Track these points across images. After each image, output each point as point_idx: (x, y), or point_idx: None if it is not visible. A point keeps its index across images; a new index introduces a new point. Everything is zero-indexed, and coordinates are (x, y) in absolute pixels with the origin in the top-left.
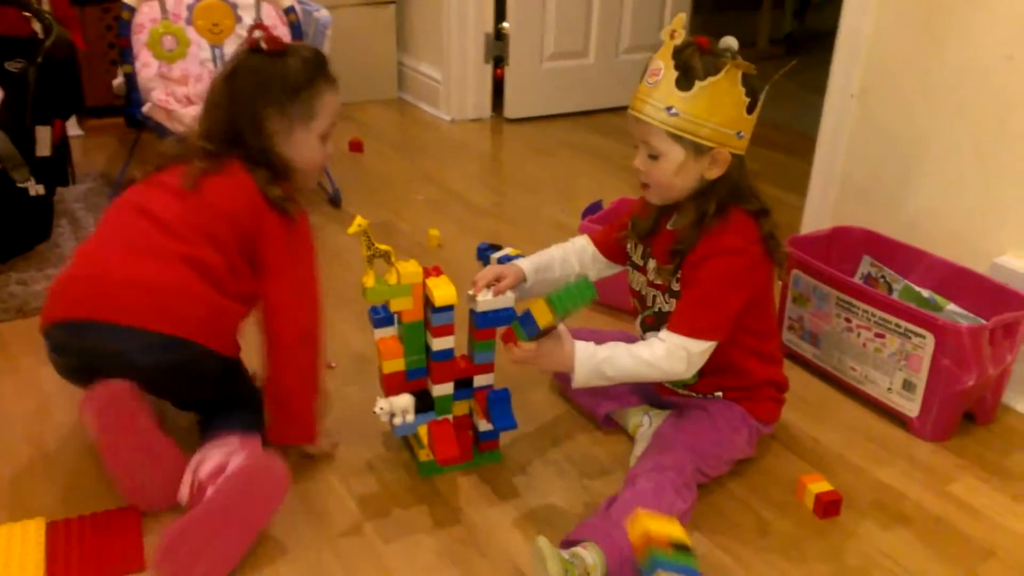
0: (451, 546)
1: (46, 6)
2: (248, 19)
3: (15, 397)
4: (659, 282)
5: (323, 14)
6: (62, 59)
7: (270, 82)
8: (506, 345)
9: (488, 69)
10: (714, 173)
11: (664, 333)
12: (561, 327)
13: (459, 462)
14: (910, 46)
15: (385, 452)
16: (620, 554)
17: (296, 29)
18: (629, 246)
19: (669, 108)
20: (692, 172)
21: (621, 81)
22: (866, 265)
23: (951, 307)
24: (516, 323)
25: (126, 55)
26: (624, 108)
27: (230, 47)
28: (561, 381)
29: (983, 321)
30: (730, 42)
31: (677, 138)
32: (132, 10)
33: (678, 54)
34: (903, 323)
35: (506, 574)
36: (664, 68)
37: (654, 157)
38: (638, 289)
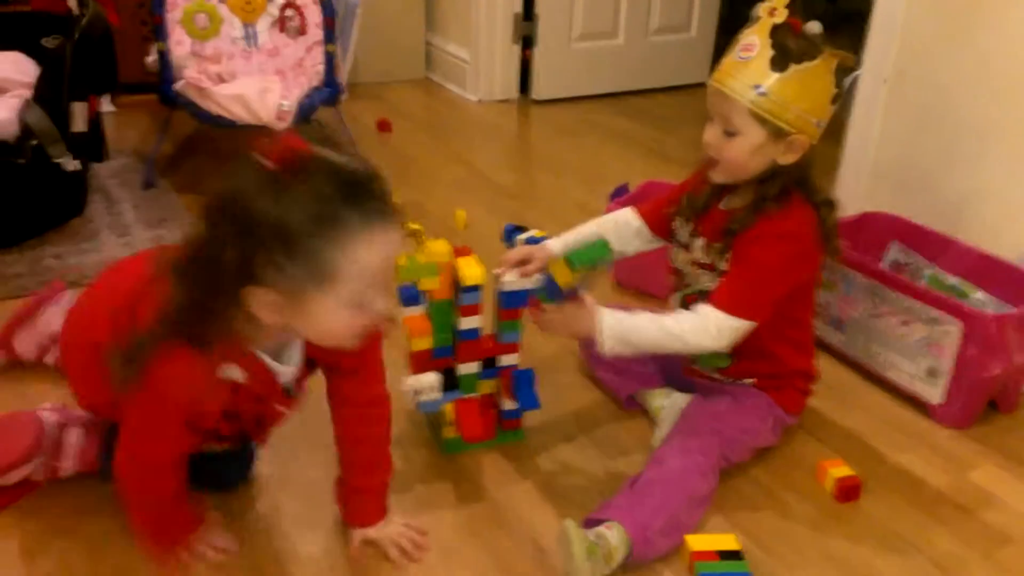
0: (473, 523)
1: None
2: None
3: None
4: (706, 261)
5: None
6: (98, 35)
7: (257, 223)
8: (531, 312)
9: (516, 50)
10: (788, 159)
11: (702, 306)
12: (588, 297)
13: (484, 440)
14: (943, 31)
15: (410, 429)
16: (643, 533)
17: (328, 8)
18: (677, 223)
19: (758, 87)
20: (767, 155)
21: (651, 63)
22: (894, 251)
23: (978, 295)
24: (541, 289)
25: (159, 32)
26: (653, 90)
27: (263, 24)
28: (588, 360)
29: (1011, 309)
30: (815, 27)
31: (760, 119)
32: None
33: (775, 32)
34: (930, 310)
35: (528, 550)
36: (759, 45)
37: (730, 134)
38: (679, 267)
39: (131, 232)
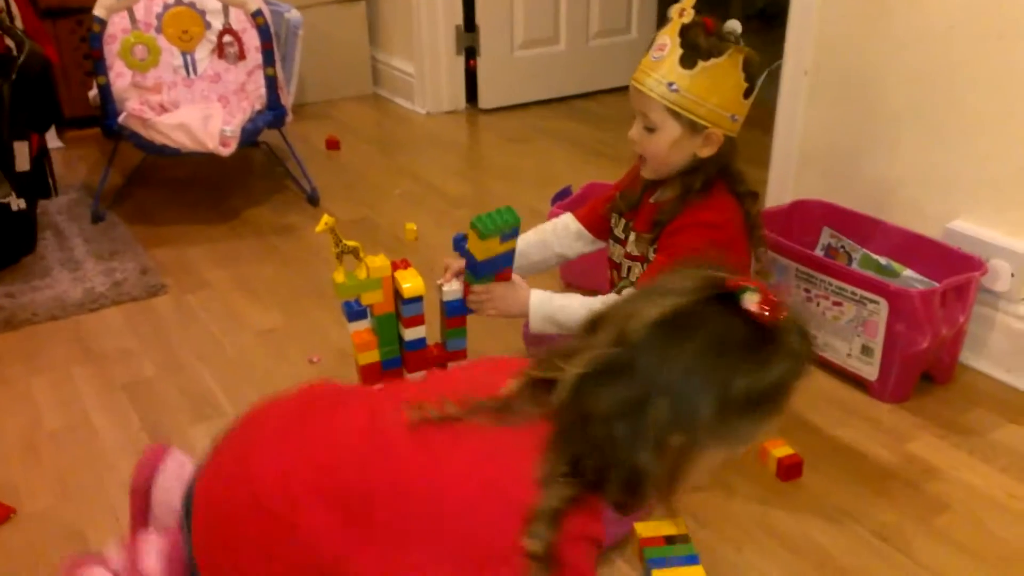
0: None
1: (18, 23)
2: (217, 25)
3: (5, 407)
4: (637, 253)
5: (294, 15)
6: (36, 74)
7: (733, 375)
8: (465, 297)
9: (460, 61)
10: (706, 152)
11: (627, 290)
12: (516, 276)
13: None
14: (858, 21)
15: None
16: None
17: (265, 32)
18: (613, 219)
19: (671, 84)
20: (686, 148)
21: (592, 66)
22: (826, 236)
23: (908, 273)
24: (466, 270)
25: (99, 66)
26: (596, 92)
27: (201, 53)
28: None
29: (937, 285)
30: (734, 25)
31: (675, 114)
32: (103, 22)
33: (685, 32)
34: (858, 291)
35: None
36: (670, 44)
37: (651, 129)
38: (617, 261)
39: (83, 267)
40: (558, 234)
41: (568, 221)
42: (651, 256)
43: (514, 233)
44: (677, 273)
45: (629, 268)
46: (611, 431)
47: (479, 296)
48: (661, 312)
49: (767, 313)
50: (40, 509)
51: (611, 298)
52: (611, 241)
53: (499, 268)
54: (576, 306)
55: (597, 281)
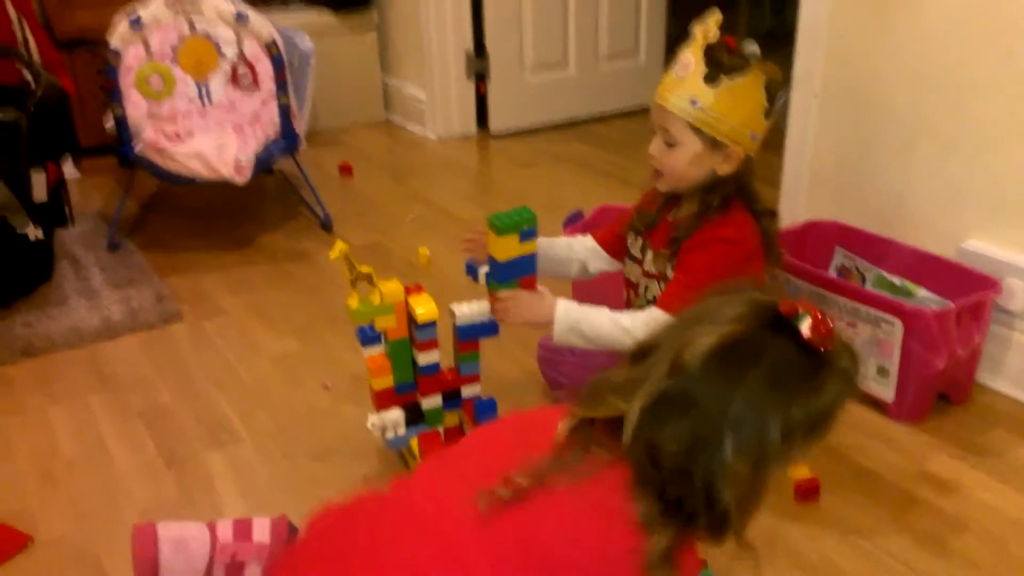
0: None
1: (34, 53)
2: (231, 54)
3: (22, 435)
4: (655, 271)
5: (306, 43)
6: (53, 105)
7: (794, 402)
8: (490, 303)
9: (470, 86)
10: (725, 169)
11: (650, 307)
12: (542, 287)
13: None
14: (865, 40)
15: (380, 467)
16: None
17: (278, 62)
18: (630, 238)
19: (694, 100)
20: (705, 165)
21: (603, 89)
22: (839, 257)
23: (923, 293)
24: (488, 277)
25: (115, 96)
26: (607, 116)
27: (216, 82)
28: (550, 383)
29: (951, 305)
30: (752, 47)
31: (696, 130)
32: (118, 53)
33: (709, 51)
34: (873, 311)
35: None
36: (694, 62)
37: (671, 145)
38: (634, 280)
39: (99, 295)
40: (577, 246)
41: (587, 240)
42: (669, 273)
43: (532, 233)
44: (722, 297)
45: (646, 287)
46: (683, 465)
47: (504, 303)
48: (717, 341)
49: (823, 338)
50: (56, 536)
51: (639, 315)
52: (627, 260)
53: (522, 273)
54: (603, 319)
55: (608, 299)
